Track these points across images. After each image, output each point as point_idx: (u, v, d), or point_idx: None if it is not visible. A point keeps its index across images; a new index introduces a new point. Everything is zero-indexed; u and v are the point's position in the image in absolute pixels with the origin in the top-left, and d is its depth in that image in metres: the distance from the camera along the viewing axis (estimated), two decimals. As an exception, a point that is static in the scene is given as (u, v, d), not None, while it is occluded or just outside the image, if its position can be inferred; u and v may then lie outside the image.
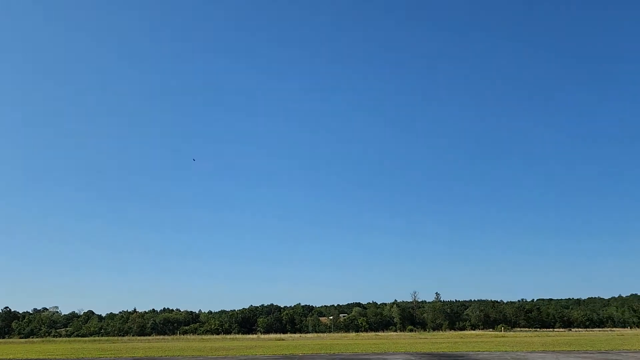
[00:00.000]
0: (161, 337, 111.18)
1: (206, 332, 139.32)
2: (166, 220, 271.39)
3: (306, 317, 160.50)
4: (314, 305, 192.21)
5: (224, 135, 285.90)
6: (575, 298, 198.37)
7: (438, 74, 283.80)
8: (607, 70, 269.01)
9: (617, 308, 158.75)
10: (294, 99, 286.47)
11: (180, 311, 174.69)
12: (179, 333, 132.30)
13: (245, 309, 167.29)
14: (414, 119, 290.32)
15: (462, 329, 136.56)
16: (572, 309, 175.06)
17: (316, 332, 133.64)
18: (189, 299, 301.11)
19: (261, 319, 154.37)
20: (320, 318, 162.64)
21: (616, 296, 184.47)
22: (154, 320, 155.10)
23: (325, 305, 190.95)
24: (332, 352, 34.38)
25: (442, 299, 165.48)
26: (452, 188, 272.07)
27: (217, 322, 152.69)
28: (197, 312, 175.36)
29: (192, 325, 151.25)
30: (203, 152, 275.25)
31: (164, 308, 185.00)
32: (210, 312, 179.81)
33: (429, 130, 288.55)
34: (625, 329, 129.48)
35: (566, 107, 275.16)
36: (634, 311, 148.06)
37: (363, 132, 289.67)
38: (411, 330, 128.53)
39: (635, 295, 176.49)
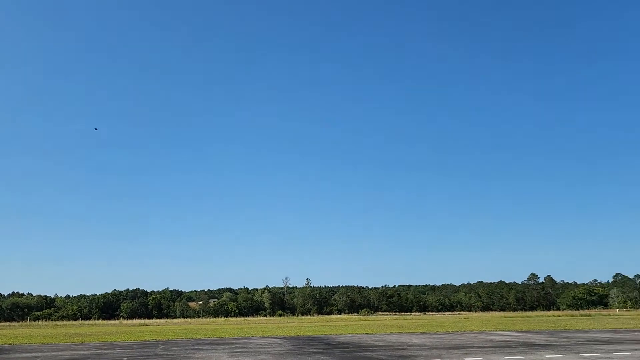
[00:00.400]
0: (7, 323, 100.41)
1: (62, 317, 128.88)
2: (16, 196, 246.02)
3: (174, 302, 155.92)
4: (183, 290, 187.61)
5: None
6: (431, 284, 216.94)
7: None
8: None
9: (465, 294, 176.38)
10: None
11: (32, 295, 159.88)
12: (30, 319, 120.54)
13: (108, 294, 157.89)
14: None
15: (330, 313, 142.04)
16: (428, 294, 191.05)
17: (184, 317, 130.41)
18: (43, 283, 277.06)
19: (125, 304, 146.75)
20: (189, 303, 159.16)
21: (465, 283, 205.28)
22: (0, 306, 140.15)
23: (195, 290, 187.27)
24: (197, 337, 33.64)
25: (312, 285, 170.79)
26: (318, 178, 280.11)
27: (75, 307, 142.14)
28: (52, 296, 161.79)
29: (45, 310, 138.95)
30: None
31: (13, 292, 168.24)
32: (67, 297, 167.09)
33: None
34: (471, 312, 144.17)
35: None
36: (479, 296, 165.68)
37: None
38: (280, 315, 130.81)
39: (481, 282, 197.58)
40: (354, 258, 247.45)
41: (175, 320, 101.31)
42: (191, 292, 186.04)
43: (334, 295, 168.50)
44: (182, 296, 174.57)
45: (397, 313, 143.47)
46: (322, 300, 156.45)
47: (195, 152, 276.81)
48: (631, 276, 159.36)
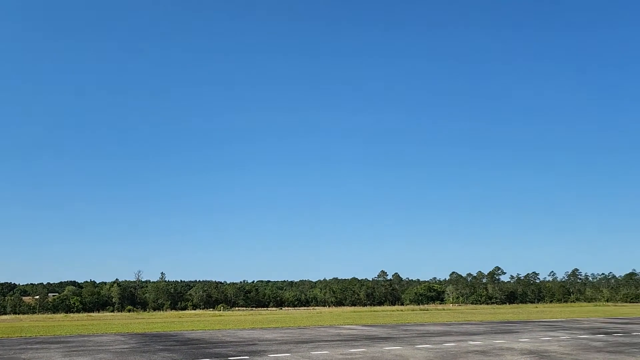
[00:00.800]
0: None
1: None
2: None
3: (5, 296, 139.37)
4: (17, 283, 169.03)
5: None
6: (290, 280, 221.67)
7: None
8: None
9: (320, 289, 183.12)
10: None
11: None
12: None
13: None
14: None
15: (184, 308, 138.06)
16: (285, 290, 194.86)
17: (16, 313, 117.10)
18: None
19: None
20: (24, 297, 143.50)
21: (322, 279, 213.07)
22: None
23: (31, 284, 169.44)
24: (28, 335, 30.23)
25: (167, 279, 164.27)
26: (184, 172, 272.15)
27: None
28: None
29: None
30: None
31: None
32: None
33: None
34: (325, 307, 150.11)
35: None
36: (333, 292, 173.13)
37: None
38: (130, 311, 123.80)
39: (336, 278, 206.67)
40: (213, 252, 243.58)
41: (3, 317, 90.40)
42: (27, 285, 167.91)
43: (189, 290, 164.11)
44: (15, 289, 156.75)
45: (254, 308, 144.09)
46: (176, 295, 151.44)
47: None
48: (464, 274, 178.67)
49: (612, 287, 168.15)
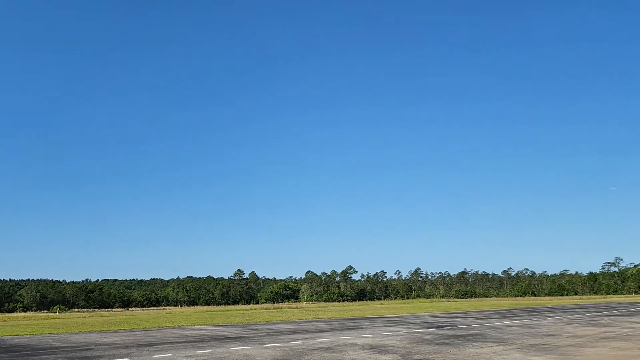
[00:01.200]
0: None
1: None
2: None
3: None
4: None
5: None
6: (140, 279, 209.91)
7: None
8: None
9: (173, 288, 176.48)
10: None
11: None
12: None
13: None
14: None
15: (13, 311, 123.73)
16: (134, 289, 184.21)
17: None
18: None
19: None
20: None
21: (175, 278, 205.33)
22: None
23: None
24: None
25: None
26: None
27: None
28: None
29: None
30: None
31: None
32: None
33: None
34: (177, 307, 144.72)
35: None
36: (187, 291, 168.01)
37: None
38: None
39: (190, 277, 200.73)
40: (49, 249, 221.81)
41: None
42: None
43: (20, 290, 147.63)
44: None
45: (97, 310, 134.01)
46: (3, 296, 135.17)
47: None
48: (319, 273, 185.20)
49: (447, 285, 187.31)
